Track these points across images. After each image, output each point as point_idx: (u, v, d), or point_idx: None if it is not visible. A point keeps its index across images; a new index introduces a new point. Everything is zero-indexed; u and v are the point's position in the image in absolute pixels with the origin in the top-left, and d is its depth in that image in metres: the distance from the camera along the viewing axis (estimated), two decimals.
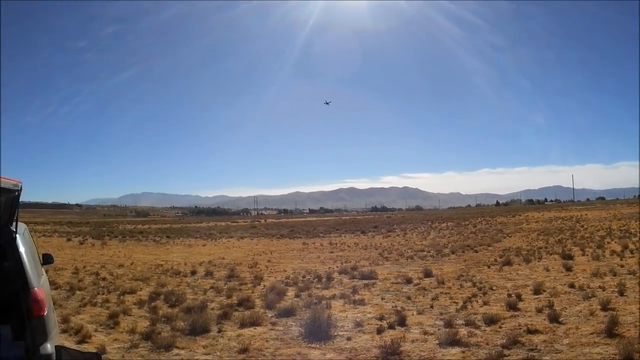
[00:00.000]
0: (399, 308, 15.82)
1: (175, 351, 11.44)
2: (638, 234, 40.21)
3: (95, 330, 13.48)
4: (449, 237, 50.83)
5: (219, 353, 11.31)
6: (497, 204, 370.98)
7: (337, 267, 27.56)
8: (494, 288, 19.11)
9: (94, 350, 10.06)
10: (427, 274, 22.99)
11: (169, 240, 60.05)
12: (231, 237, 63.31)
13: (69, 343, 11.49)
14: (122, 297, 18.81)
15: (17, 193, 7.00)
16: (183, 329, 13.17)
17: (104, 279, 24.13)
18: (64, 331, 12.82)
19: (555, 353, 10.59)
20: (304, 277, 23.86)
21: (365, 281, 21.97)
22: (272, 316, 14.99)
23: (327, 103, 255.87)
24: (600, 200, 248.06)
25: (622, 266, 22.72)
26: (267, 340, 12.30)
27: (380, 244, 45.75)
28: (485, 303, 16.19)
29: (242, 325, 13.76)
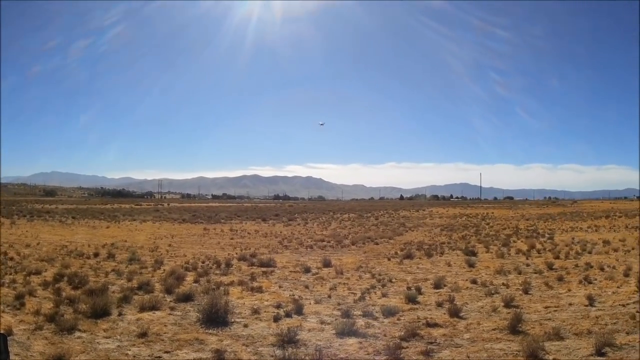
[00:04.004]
0: (296, 297, 16.07)
1: (78, 334, 11.40)
2: (546, 234, 41.41)
3: (3, 312, 13.31)
4: (350, 229, 51.21)
5: (119, 337, 11.33)
6: (401, 197, 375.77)
7: (237, 253, 27.72)
8: (394, 280, 19.40)
9: (1, 332, 9.77)
10: (326, 264, 23.27)
11: (74, 221, 59.60)
12: (134, 220, 63.07)
13: None
14: (28, 277, 18.61)
15: None
16: (85, 311, 13.05)
17: (11, 258, 23.93)
18: None
19: (455, 347, 10.80)
20: (203, 262, 24.03)
21: (264, 269, 22.24)
22: (171, 301, 15.07)
23: (321, 124, 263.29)
24: (508, 200, 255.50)
25: (527, 265, 23.30)
26: (165, 325, 12.38)
27: (281, 232, 46.00)
28: (384, 295, 16.43)
29: (142, 309, 13.81)
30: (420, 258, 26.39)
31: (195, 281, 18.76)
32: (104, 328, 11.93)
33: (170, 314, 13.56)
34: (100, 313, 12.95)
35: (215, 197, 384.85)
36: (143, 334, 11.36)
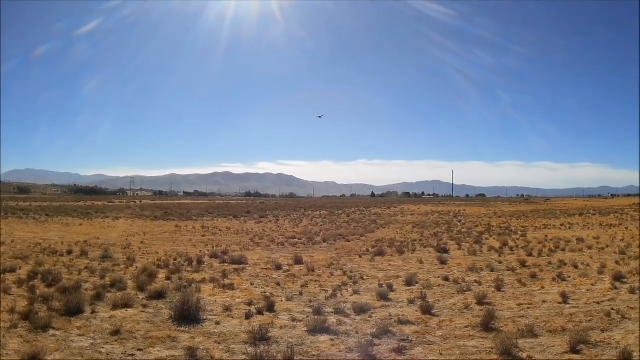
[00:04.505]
0: (268, 294, 16.12)
1: (52, 332, 11.36)
2: (519, 232, 41.65)
3: None
4: (322, 226, 51.56)
5: (92, 334, 11.29)
6: (373, 195, 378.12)
7: (208, 251, 27.77)
8: (365, 278, 19.49)
9: None
10: (298, 261, 23.39)
11: (48, 218, 59.38)
12: (107, 217, 63.03)
13: None
14: (3, 275, 18.36)
15: None
16: (59, 309, 13.01)
17: None
18: None
19: (428, 344, 10.85)
20: (175, 259, 24.02)
21: (236, 266, 22.25)
22: (143, 298, 15.09)
23: (319, 117, 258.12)
24: (481, 197, 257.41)
25: (500, 262, 23.48)
26: (138, 323, 12.36)
27: (252, 229, 46.15)
28: (355, 292, 16.47)
29: (115, 306, 13.79)
30: (391, 255, 26.52)
31: (167, 278, 18.73)
32: (78, 326, 11.88)
33: (142, 312, 13.55)
34: (73, 311, 12.90)
35: (187, 194, 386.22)
36: (116, 332, 11.34)
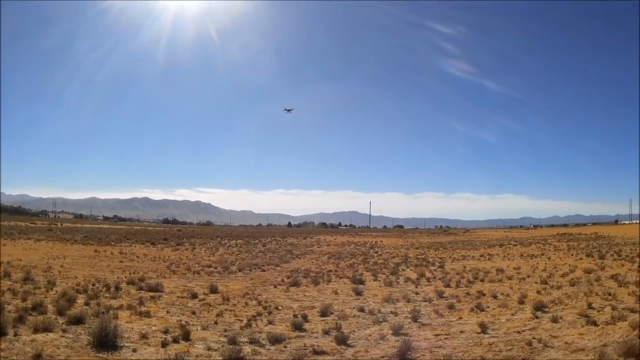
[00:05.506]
0: (184, 322, 16.18)
1: None
2: (437, 263, 41.95)
3: None
4: (237, 255, 51.30)
5: (15, 357, 11.29)
6: (289, 225, 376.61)
7: (126, 277, 27.55)
8: (280, 308, 19.66)
9: None
10: (213, 290, 23.39)
11: None
12: (29, 239, 61.57)
13: None
14: None
15: None
16: None
17: None
18: None
19: None
20: (94, 285, 23.85)
21: (152, 293, 22.20)
22: (63, 323, 14.96)
23: (288, 110, 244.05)
24: (398, 229, 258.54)
25: (417, 293, 23.79)
26: (58, 347, 12.34)
27: (169, 256, 46.01)
28: (270, 322, 16.72)
29: (36, 330, 13.69)
30: (307, 286, 26.71)
31: (86, 304, 18.62)
32: (1, 348, 11.84)
33: (62, 336, 13.50)
34: None
35: (106, 219, 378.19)
36: (37, 356, 11.31)
